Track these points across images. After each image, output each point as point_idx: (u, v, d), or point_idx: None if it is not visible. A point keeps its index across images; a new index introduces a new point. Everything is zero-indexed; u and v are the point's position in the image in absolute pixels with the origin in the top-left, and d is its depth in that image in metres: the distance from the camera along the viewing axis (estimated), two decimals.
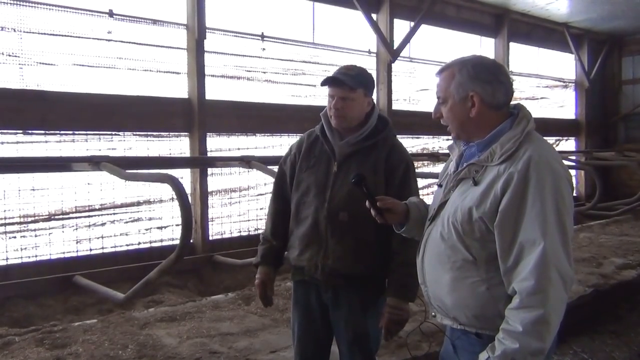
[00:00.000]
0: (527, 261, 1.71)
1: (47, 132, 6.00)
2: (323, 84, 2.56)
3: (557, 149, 11.54)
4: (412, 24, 9.45)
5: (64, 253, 6.20)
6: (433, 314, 2.08)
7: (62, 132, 6.10)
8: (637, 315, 5.48)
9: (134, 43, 6.66)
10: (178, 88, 7.04)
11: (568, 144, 13.46)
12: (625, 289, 5.85)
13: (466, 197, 1.84)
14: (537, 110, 12.10)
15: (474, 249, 1.82)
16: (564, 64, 13.36)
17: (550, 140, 12.32)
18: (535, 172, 1.73)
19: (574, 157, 11.24)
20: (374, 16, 9.01)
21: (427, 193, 9.51)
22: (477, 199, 1.80)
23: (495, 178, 1.78)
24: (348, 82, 2.49)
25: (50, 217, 6.12)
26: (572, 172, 11.32)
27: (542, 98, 12.74)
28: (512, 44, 11.47)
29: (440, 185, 2.08)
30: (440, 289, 1.93)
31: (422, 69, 10.14)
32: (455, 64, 1.93)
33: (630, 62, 14.05)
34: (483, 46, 11.31)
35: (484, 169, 1.83)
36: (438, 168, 8.53)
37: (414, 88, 10.05)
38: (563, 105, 13.42)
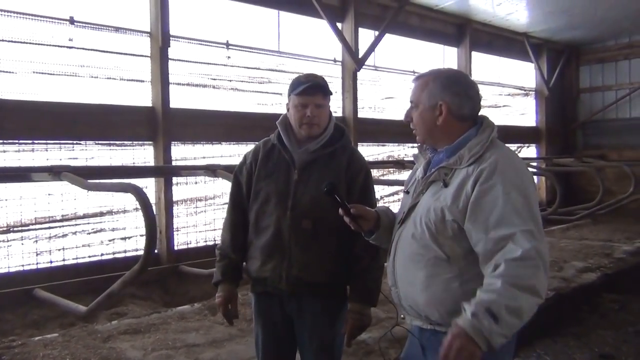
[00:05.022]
0: (509, 247, 1.76)
1: (4, 141, 5.84)
2: (303, 92, 2.47)
3: (519, 155, 11.77)
4: (377, 33, 9.55)
5: (23, 266, 6.02)
6: (402, 316, 2.12)
7: (20, 141, 5.95)
8: (597, 317, 5.62)
9: (96, 50, 6.54)
10: (142, 96, 6.94)
11: (529, 151, 13.77)
12: (586, 292, 6.00)
13: (438, 197, 1.93)
14: (500, 118, 12.36)
15: (446, 247, 1.90)
16: (525, 72, 13.68)
17: (512, 147, 12.58)
18: (501, 169, 1.85)
19: (535, 164, 11.50)
20: (339, 25, 9.07)
21: (394, 200, 9.61)
22: (449, 198, 1.89)
23: (465, 178, 1.89)
24: (326, 88, 2.53)
25: (8, 229, 5.94)
26: (534, 178, 11.56)
27: (504, 106, 13.01)
28: (474, 53, 11.70)
29: (407, 192, 2.17)
30: (413, 288, 1.98)
31: (386, 77, 10.25)
32: (431, 73, 2.06)
33: (587, 71, 14.48)
34: (446, 55, 11.51)
35: (453, 171, 1.94)
36: (403, 175, 8.63)
37: (379, 96, 10.14)
38: (524, 112, 13.74)
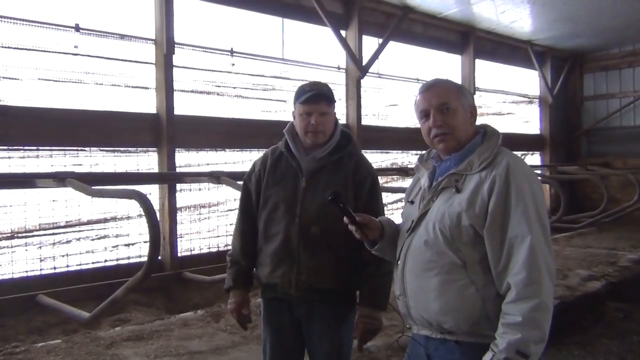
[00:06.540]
0: (518, 256, 1.82)
1: (9, 147, 5.86)
2: (307, 100, 2.50)
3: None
4: (381, 40, 9.58)
5: (27, 272, 6.03)
6: (408, 326, 2.10)
7: (25, 147, 5.97)
8: (601, 326, 5.59)
9: (101, 57, 6.58)
10: (146, 103, 6.97)
11: (533, 159, 13.74)
12: (591, 301, 5.97)
13: (452, 203, 1.94)
14: (504, 126, 12.34)
15: (462, 253, 1.91)
16: (529, 80, 13.67)
17: (517, 154, 12.55)
18: (514, 177, 1.88)
19: (539, 171, 11.47)
20: (342, 33, 9.10)
21: (397, 208, 9.58)
22: (465, 204, 1.90)
23: (479, 183, 1.91)
24: (330, 96, 2.55)
25: (13, 235, 5.96)
26: None
27: (508, 113, 13.01)
28: (477, 61, 11.72)
29: (411, 202, 2.15)
30: (425, 296, 1.97)
31: (390, 84, 10.26)
32: (451, 81, 2.13)
33: (591, 79, 14.47)
34: (450, 63, 11.52)
35: (464, 177, 1.96)
36: (407, 182, 8.61)
37: (383, 103, 10.16)
38: (528, 120, 13.72)
